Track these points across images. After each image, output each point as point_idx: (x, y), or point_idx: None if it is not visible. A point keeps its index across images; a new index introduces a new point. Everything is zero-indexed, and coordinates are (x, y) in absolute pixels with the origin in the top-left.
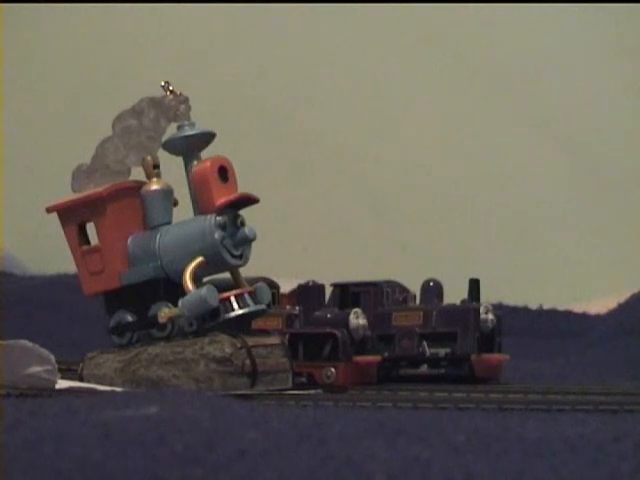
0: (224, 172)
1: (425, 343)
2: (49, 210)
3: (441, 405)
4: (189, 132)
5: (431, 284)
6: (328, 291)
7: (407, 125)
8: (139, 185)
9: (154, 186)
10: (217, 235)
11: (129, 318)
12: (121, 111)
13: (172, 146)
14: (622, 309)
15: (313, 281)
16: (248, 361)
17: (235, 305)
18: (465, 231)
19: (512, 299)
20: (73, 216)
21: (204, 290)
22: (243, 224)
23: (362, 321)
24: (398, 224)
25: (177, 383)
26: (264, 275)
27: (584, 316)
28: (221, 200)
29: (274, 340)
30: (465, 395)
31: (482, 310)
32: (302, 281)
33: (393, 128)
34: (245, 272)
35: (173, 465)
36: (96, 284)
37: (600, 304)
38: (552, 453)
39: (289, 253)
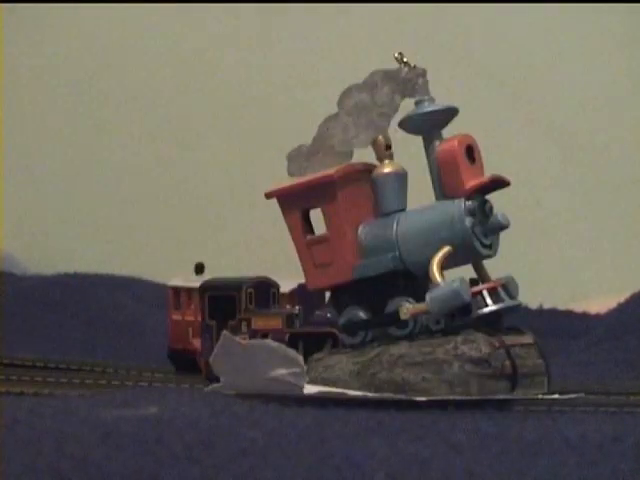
0: (471, 152)
1: None
2: (268, 195)
3: (441, 405)
4: (431, 108)
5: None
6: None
7: None
8: (369, 168)
9: (387, 169)
10: (468, 222)
11: (362, 315)
12: (348, 86)
13: (411, 124)
14: (622, 309)
15: None
16: (508, 362)
17: (488, 300)
18: None
19: None
20: (297, 202)
21: (457, 283)
22: (492, 210)
23: None
24: None
25: (427, 387)
26: (264, 275)
27: (584, 316)
28: (471, 183)
29: (528, 339)
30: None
31: None
32: (302, 281)
33: (392, 128)
34: (245, 272)
35: (173, 465)
36: (323, 278)
37: (600, 304)
38: (552, 453)
39: (289, 253)
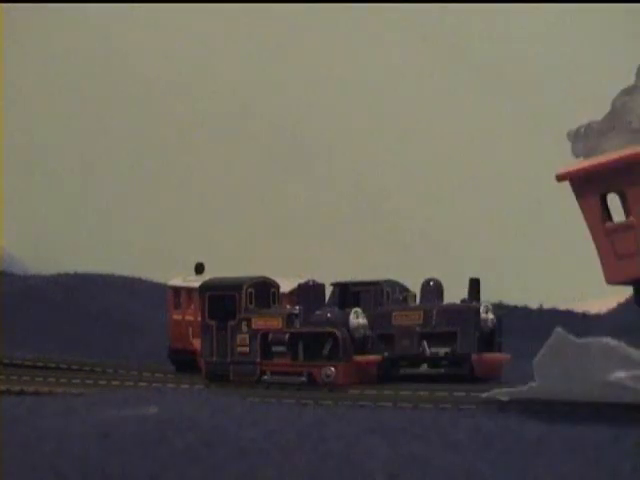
0: None
1: (425, 343)
2: (561, 177)
3: (441, 405)
4: None
5: (431, 284)
6: (328, 291)
7: (407, 126)
8: None
9: None
10: None
11: None
12: None
13: None
14: (622, 309)
15: (313, 280)
16: None
17: None
18: (465, 231)
19: (512, 299)
20: (595, 184)
21: None
22: None
23: (362, 320)
24: (398, 224)
25: None
26: (264, 275)
27: (584, 316)
28: None
29: None
30: (465, 395)
31: (482, 310)
32: (302, 281)
33: (393, 129)
34: (245, 272)
35: (173, 465)
36: (626, 270)
37: (600, 304)
38: (552, 453)
39: (289, 253)
